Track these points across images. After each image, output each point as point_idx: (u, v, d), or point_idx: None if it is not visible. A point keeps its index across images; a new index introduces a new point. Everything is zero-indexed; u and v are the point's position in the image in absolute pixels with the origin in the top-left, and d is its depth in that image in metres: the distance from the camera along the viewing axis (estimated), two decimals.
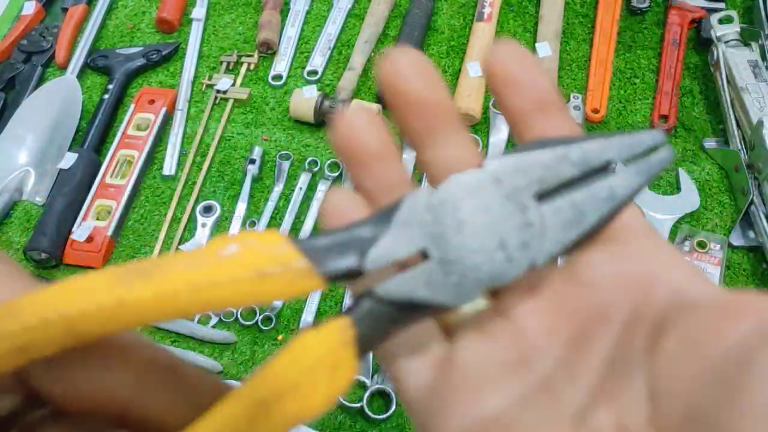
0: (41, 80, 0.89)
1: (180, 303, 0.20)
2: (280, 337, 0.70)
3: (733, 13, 0.82)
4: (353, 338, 0.23)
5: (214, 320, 0.70)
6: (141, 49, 0.89)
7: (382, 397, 0.65)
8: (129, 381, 0.22)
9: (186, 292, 0.20)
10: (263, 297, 0.21)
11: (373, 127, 0.27)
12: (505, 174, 0.24)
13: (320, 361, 0.22)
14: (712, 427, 0.19)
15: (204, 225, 0.76)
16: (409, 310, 0.24)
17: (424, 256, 0.24)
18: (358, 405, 0.63)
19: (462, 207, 0.24)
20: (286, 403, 0.21)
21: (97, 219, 0.77)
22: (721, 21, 0.82)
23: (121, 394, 0.22)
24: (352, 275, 0.23)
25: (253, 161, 0.78)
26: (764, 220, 0.71)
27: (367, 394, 0.64)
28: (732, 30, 0.81)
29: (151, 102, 0.85)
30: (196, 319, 0.70)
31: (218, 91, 0.86)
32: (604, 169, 0.25)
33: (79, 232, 0.76)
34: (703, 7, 0.86)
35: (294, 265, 0.22)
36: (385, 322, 0.24)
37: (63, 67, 0.89)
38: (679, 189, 0.76)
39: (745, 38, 0.82)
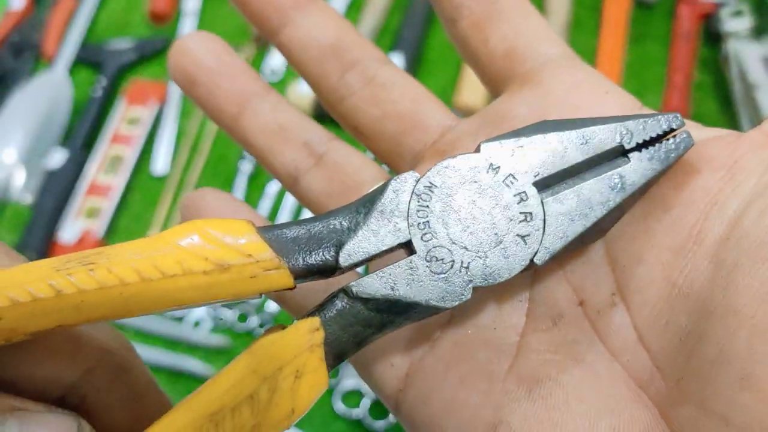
0: (31, 76, 0.86)
1: (127, 295, 0.17)
2: None
3: (745, 7, 0.80)
4: (322, 341, 0.20)
5: (209, 324, 0.67)
6: (133, 42, 0.86)
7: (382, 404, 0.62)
8: (76, 374, 0.21)
9: (134, 283, 0.17)
10: (222, 292, 0.19)
11: (208, 45, 0.28)
12: (502, 159, 0.21)
13: (281, 368, 0.19)
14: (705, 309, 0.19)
15: None
16: (387, 311, 0.21)
17: (408, 249, 0.21)
18: (358, 414, 0.61)
19: (452, 195, 0.21)
20: (240, 418, 0.19)
21: (88, 218, 0.75)
22: (732, 15, 0.80)
23: (67, 384, 0.21)
24: (325, 271, 0.21)
25: (247, 159, 0.76)
26: None
27: (367, 402, 0.61)
28: (743, 25, 0.79)
29: (143, 96, 0.82)
30: (192, 324, 0.67)
31: None
32: (615, 155, 0.22)
33: (69, 232, 0.73)
34: (713, 1, 0.84)
35: (259, 258, 0.19)
36: (360, 324, 0.21)
37: (52, 62, 0.86)
38: None
39: (757, 33, 0.79)
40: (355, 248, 0.21)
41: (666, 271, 0.21)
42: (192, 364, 0.65)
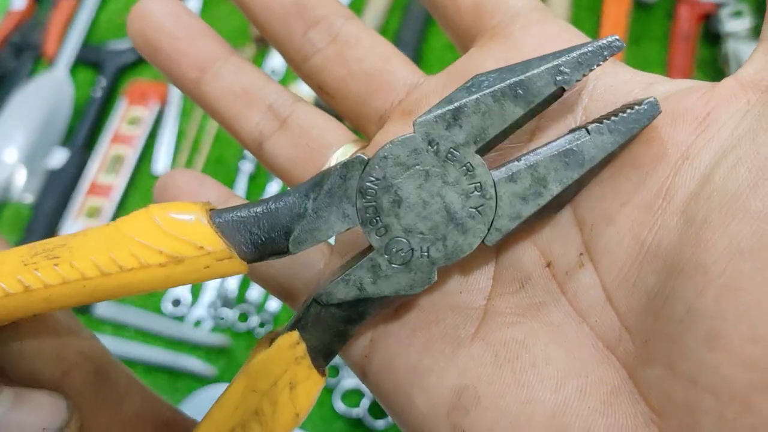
0: (31, 76, 0.86)
1: (90, 288, 0.19)
2: None
3: (744, 8, 0.80)
4: (305, 352, 0.21)
5: (209, 324, 0.68)
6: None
7: None
8: (56, 374, 0.22)
9: (95, 277, 0.19)
10: (179, 281, 0.20)
11: (167, 7, 0.28)
12: (439, 134, 0.21)
13: (276, 383, 0.21)
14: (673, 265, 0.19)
15: None
16: (360, 308, 0.22)
17: (357, 224, 0.21)
18: (358, 414, 0.61)
19: (397, 185, 0.21)
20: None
21: (88, 217, 0.75)
22: (731, 15, 0.80)
23: (48, 384, 0.22)
24: (276, 254, 0.21)
25: (248, 159, 0.76)
26: None
27: (367, 402, 0.61)
28: (743, 25, 0.79)
29: (144, 96, 0.82)
30: (192, 324, 0.67)
31: None
32: (555, 97, 0.21)
33: (70, 232, 0.73)
34: (713, 1, 0.84)
35: (211, 250, 0.20)
36: (338, 325, 0.22)
37: (53, 62, 0.87)
38: None
39: (757, 33, 0.79)
40: (305, 235, 0.21)
41: (635, 230, 0.20)
42: (192, 363, 0.65)
